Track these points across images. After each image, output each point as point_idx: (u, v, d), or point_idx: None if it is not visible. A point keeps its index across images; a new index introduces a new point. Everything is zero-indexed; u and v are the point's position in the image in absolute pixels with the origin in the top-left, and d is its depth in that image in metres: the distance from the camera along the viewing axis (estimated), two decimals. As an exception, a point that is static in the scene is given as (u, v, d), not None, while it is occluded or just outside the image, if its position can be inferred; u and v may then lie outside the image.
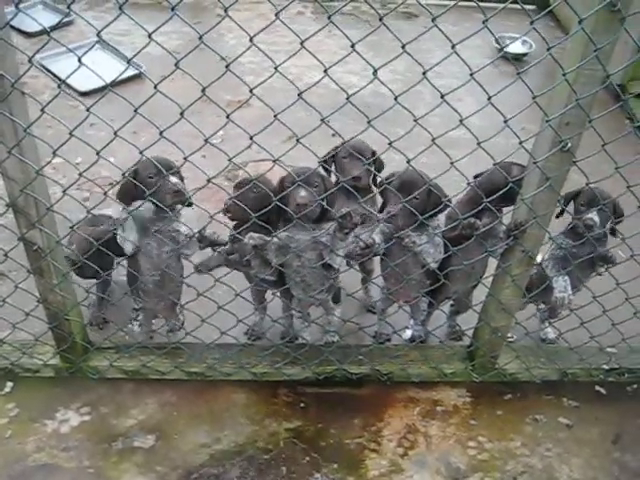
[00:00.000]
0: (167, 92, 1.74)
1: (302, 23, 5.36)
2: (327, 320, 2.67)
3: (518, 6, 1.73)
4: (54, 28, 4.78)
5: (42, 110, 1.76)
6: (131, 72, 4.37)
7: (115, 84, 4.25)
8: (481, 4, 1.59)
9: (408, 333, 2.80)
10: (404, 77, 4.62)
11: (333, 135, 1.91)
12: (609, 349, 2.67)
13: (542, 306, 2.80)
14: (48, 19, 5.09)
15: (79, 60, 1.68)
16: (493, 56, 5.05)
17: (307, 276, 2.35)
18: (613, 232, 2.43)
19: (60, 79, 1.83)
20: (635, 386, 2.71)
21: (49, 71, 4.43)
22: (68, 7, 1.65)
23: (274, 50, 4.63)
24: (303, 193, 2.14)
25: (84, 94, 4.22)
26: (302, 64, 4.44)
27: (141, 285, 2.39)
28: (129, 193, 2.18)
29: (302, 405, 2.55)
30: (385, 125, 1.92)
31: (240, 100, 4.15)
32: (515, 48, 5.22)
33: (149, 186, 2.10)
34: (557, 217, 2.38)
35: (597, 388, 2.70)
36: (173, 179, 2.14)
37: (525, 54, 5.13)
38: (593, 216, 2.31)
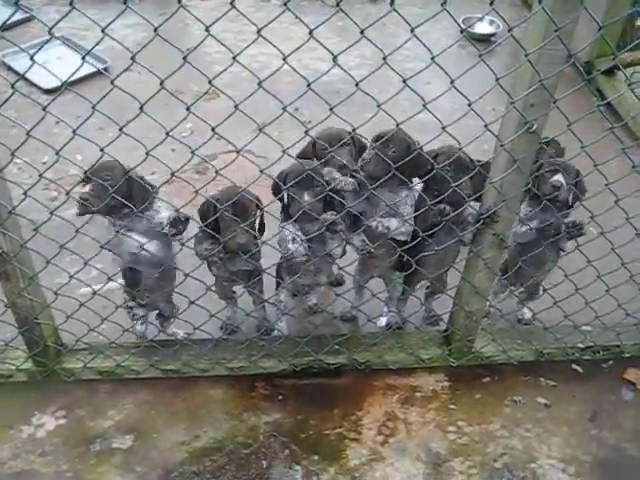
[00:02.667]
0: (135, 86, 1.69)
1: (268, 10, 5.29)
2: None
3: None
4: (9, 25, 4.70)
5: (-4, 110, 1.71)
6: (94, 68, 4.29)
7: (81, 80, 4.19)
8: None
9: (383, 321, 2.80)
10: (372, 62, 4.59)
11: (303, 122, 1.87)
12: (584, 327, 2.68)
13: (517, 287, 2.80)
14: (8, 15, 4.97)
15: (31, 59, 1.63)
16: (463, 38, 5.04)
17: (318, 263, 2.38)
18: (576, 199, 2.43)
19: (24, 78, 1.77)
20: (611, 363, 2.73)
21: (11, 69, 4.35)
22: (16, 3, 1.59)
23: (241, 39, 4.57)
24: (307, 197, 2.19)
25: (49, 92, 4.15)
26: (269, 52, 4.40)
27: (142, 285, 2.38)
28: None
29: (280, 398, 2.53)
30: (355, 111, 1.90)
31: (208, 92, 4.11)
32: (482, 29, 5.20)
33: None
34: None
35: (574, 366, 2.71)
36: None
37: (493, 34, 5.11)
38: (559, 177, 2.31)
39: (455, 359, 2.62)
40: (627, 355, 2.72)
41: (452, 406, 2.54)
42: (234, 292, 2.71)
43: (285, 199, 2.29)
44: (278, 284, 2.61)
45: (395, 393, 2.58)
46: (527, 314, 2.89)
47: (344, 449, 2.38)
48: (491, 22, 5.20)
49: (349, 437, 2.42)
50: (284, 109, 1.77)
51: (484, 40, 5.14)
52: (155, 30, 1.57)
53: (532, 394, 2.60)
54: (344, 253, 2.44)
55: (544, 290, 2.57)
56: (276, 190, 2.32)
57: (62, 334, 2.50)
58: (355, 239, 2.33)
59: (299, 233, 2.25)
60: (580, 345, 2.68)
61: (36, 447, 2.35)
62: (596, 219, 2.30)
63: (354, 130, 1.85)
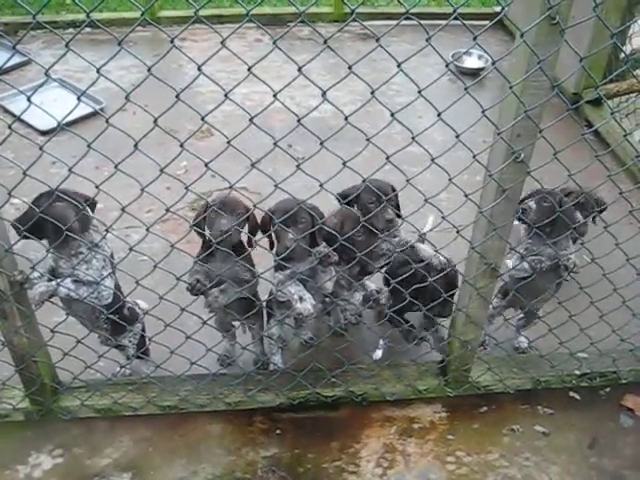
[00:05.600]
0: (130, 126, 1.73)
1: (260, 49, 5.40)
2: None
3: (474, 22, 1.74)
4: (6, 69, 4.78)
5: (-6, 152, 1.74)
6: (89, 109, 4.36)
7: (77, 121, 4.25)
8: (434, 22, 1.62)
9: (379, 353, 2.82)
10: (364, 97, 4.63)
11: (296, 158, 1.90)
12: (580, 354, 2.69)
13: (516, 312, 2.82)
14: (5, 59, 5.05)
15: (28, 100, 1.67)
16: (452, 73, 5.14)
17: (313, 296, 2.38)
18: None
19: (20, 119, 1.81)
20: (608, 389, 2.73)
21: (7, 111, 4.42)
22: (14, 47, 1.64)
23: (235, 78, 4.64)
24: (290, 236, 2.22)
25: (45, 133, 4.20)
26: (262, 90, 4.44)
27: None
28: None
29: (278, 432, 2.53)
30: (347, 145, 1.92)
31: (202, 130, 4.17)
32: (472, 63, 5.32)
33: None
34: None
35: (571, 394, 2.72)
36: None
37: (482, 68, 5.21)
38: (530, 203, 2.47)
39: (452, 389, 2.62)
40: (624, 381, 2.72)
41: (450, 436, 2.54)
42: (233, 325, 2.72)
43: (273, 236, 2.35)
44: (269, 317, 2.63)
45: (393, 425, 2.58)
46: (523, 342, 2.90)
47: (343, 482, 2.37)
48: (480, 56, 5.32)
49: (348, 470, 2.41)
50: (275, 144, 1.80)
51: (473, 74, 5.25)
52: (149, 70, 1.61)
53: (530, 423, 2.60)
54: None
55: (539, 317, 2.58)
56: (263, 227, 2.37)
57: (59, 372, 2.50)
58: (355, 296, 2.48)
59: (305, 291, 2.29)
60: (577, 372, 2.68)
61: (33, 487, 2.34)
62: (586, 245, 2.33)
63: (344, 164, 1.87)
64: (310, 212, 2.26)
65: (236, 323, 2.72)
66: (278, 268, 2.37)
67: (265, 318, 2.69)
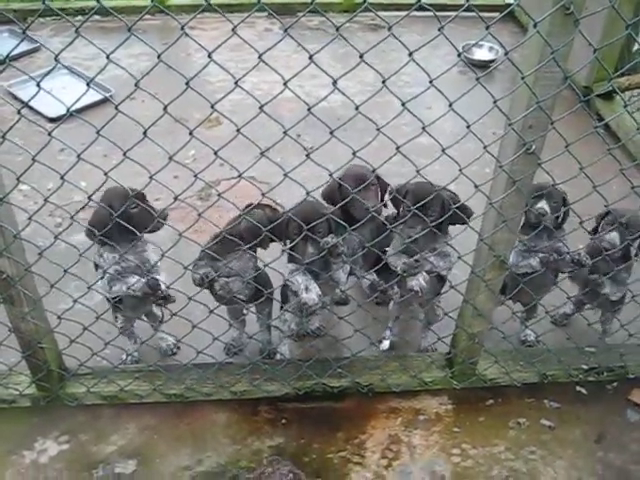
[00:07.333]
0: (139, 113, 1.72)
1: (270, 39, 5.38)
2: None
3: (484, 13, 1.71)
4: (15, 55, 4.79)
5: (3, 137, 1.74)
6: (99, 96, 4.35)
7: (86, 108, 4.24)
8: (444, 13, 1.61)
9: (386, 344, 2.81)
10: (373, 88, 4.63)
11: (305, 148, 1.89)
12: (587, 348, 2.68)
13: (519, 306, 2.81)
14: (13, 46, 5.05)
15: (38, 85, 1.67)
16: (463, 64, 5.11)
17: (323, 288, 2.39)
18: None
19: (29, 106, 1.80)
20: (615, 384, 2.71)
21: (17, 98, 4.42)
22: (23, 32, 1.63)
23: (244, 67, 4.58)
24: (310, 250, 2.25)
25: (53, 120, 4.19)
26: (272, 79, 4.45)
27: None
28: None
29: (283, 421, 2.53)
30: (356, 136, 1.91)
31: (211, 119, 4.16)
32: (482, 55, 5.28)
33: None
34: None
35: (578, 388, 2.70)
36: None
37: (492, 60, 5.18)
38: (543, 205, 2.40)
39: (458, 382, 2.62)
40: (631, 376, 2.71)
41: (456, 429, 2.53)
42: (244, 313, 2.72)
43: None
44: (284, 301, 2.63)
45: (398, 416, 2.57)
46: (531, 336, 2.89)
47: (348, 473, 2.37)
48: (490, 48, 5.28)
49: (353, 461, 2.41)
50: (285, 133, 1.79)
51: (484, 66, 5.20)
52: (159, 56, 1.60)
53: (536, 416, 2.59)
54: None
55: (547, 312, 2.57)
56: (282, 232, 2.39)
57: (65, 359, 2.51)
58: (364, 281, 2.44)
59: (312, 281, 2.30)
60: (584, 366, 2.67)
61: (39, 473, 2.34)
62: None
63: (354, 154, 1.86)
64: (328, 218, 2.26)
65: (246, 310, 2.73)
66: (290, 259, 2.38)
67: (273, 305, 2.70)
